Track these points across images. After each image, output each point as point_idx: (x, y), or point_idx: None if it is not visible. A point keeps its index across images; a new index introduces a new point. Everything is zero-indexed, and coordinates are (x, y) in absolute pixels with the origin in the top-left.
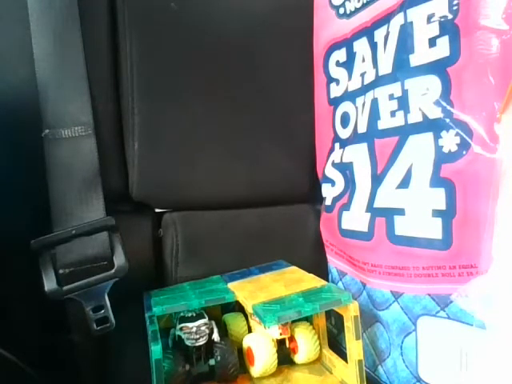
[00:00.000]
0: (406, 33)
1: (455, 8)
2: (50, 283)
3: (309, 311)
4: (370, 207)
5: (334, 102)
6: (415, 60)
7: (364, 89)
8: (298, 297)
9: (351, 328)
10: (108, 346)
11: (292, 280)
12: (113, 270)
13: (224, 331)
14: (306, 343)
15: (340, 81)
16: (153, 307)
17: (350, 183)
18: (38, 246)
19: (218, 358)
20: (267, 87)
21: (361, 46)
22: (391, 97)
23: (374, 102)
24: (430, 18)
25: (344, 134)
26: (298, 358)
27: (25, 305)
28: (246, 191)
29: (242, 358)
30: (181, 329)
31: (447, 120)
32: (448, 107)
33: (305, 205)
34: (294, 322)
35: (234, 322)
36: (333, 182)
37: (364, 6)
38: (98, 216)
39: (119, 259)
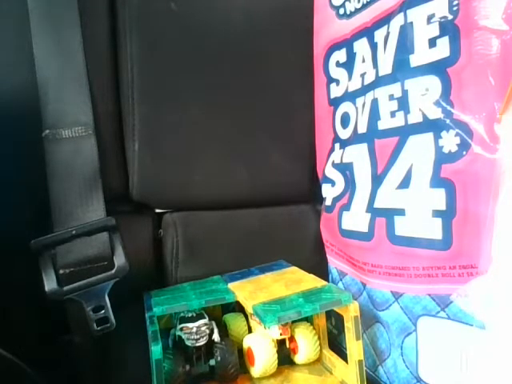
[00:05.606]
0: (406, 33)
1: (455, 8)
2: (50, 283)
3: (309, 311)
4: (370, 207)
5: (334, 103)
6: (415, 60)
7: (364, 89)
8: (298, 297)
9: (351, 328)
10: (108, 346)
11: (292, 280)
12: (113, 271)
13: (224, 331)
14: (306, 343)
15: (340, 81)
16: (153, 307)
17: (350, 183)
18: (38, 246)
19: (219, 358)
20: (267, 87)
21: (361, 47)
22: (391, 97)
23: (374, 102)
24: (430, 19)
25: (344, 134)
26: (298, 359)
27: (25, 305)
28: (246, 191)
29: (243, 358)
30: (181, 329)
31: (447, 120)
32: (448, 107)
33: (305, 205)
34: (294, 322)
35: (235, 322)
36: (333, 183)
37: (364, 6)
38: (98, 216)
39: (119, 259)
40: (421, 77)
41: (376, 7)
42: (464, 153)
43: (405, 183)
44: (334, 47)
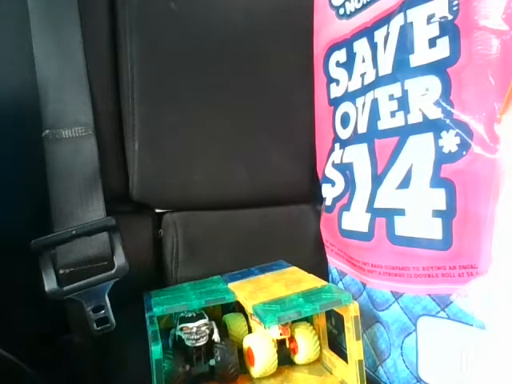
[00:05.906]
0: (406, 33)
1: (455, 8)
2: (50, 283)
3: (309, 311)
4: (370, 207)
5: (334, 103)
6: (415, 60)
7: (364, 89)
8: (298, 297)
9: (351, 328)
10: (108, 346)
11: (292, 280)
12: (113, 271)
13: (224, 331)
14: (307, 343)
15: (340, 81)
16: (153, 307)
17: (350, 183)
18: (38, 246)
19: (218, 358)
20: (267, 87)
21: (361, 47)
22: (391, 97)
23: (374, 102)
24: (430, 19)
25: (344, 134)
26: (298, 359)
27: (25, 305)
28: (246, 191)
29: (243, 359)
30: (181, 329)
31: (447, 120)
32: (448, 108)
33: (305, 205)
34: (294, 322)
35: (235, 322)
36: (333, 183)
37: (364, 6)
38: (98, 216)
39: (119, 259)
40: (421, 77)
41: (376, 7)
42: (464, 153)
43: (405, 183)
44: (334, 47)
